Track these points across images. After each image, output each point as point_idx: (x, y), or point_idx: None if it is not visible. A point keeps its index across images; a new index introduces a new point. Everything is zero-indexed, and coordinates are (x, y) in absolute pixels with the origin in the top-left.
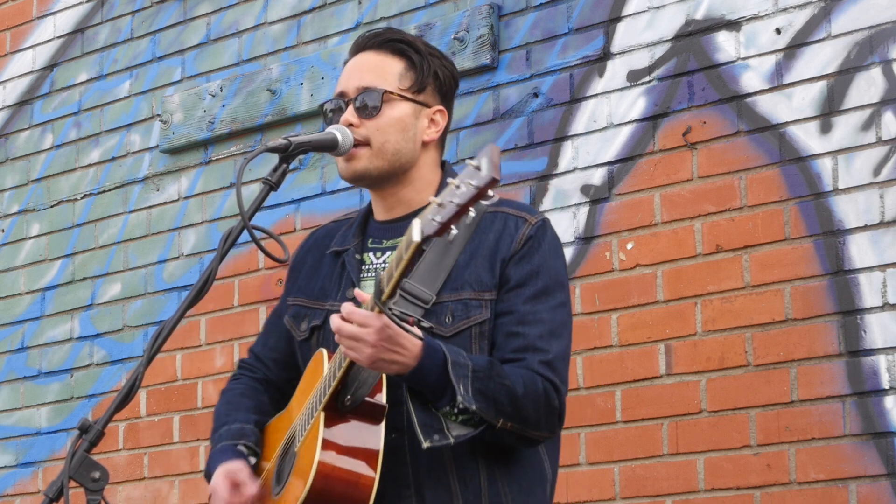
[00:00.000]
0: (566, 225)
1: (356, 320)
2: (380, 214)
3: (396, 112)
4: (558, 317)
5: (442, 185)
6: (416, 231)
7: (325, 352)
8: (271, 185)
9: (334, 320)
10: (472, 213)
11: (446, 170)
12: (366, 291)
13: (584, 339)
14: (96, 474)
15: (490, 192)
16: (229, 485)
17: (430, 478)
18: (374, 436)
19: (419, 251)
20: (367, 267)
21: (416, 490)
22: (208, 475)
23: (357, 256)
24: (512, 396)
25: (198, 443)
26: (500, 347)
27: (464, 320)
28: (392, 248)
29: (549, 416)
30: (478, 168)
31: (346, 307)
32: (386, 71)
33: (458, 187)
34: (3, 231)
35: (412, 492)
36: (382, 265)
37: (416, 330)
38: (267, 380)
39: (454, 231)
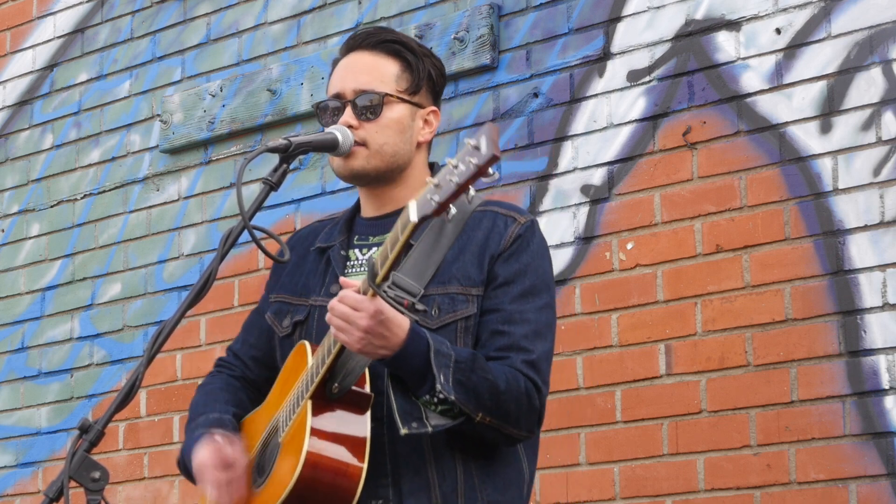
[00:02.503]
0: (566, 225)
1: (349, 304)
2: (368, 211)
3: (395, 114)
4: (543, 318)
5: None
6: (412, 211)
7: (307, 343)
8: (271, 185)
9: (330, 303)
10: (471, 191)
11: (436, 170)
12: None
13: (584, 339)
14: (96, 474)
15: (490, 170)
16: (219, 461)
17: (408, 468)
18: (360, 425)
19: (414, 232)
20: (351, 263)
21: (394, 480)
22: (183, 464)
23: (342, 252)
24: (493, 391)
25: None
26: (485, 345)
27: (450, 314)
28: (378, 244)
29: (530, 415)
30: (476, 147)
31: (341, 292)
32: (383, 72)
33: (455, 167)
34: (3, 231)
35: (389, 481)
36: (369, 261)
37: (409, 314)
38: (245, 378)
39: (453, 211)
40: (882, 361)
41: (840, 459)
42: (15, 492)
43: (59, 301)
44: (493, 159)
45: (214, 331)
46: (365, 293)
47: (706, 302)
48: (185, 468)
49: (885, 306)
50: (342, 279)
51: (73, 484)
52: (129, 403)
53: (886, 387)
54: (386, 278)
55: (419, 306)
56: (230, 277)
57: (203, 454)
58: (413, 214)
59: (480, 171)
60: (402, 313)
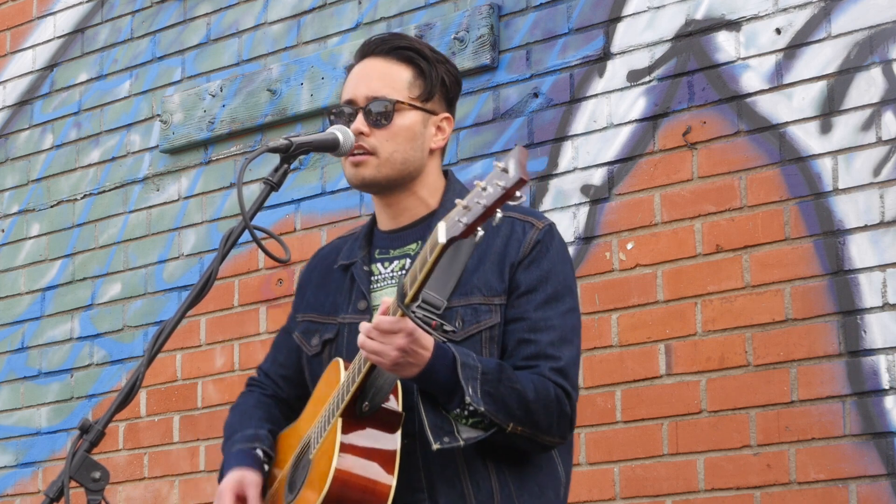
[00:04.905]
0: (566, 225)
1: (384, 327)
2: (385, 224)
3: (406, 121)
4: (569, 322)
5: (447, 192)
6: (441, 233)
7: (341, 360)
8: (272, 185)
9: (362, 326)
10: (499, 214)
11: (450, 177)
12: (375, 302)
13: (584, 339)
14: (96, 474)
15: (518, 193)
16: (235, 497)
17: (443, 482)
18: (390, 443)
19: (443, 254)
20: (375, 278)
21: (430, 494)
22: (222, 479)
23: (365, 268)
24: (522, 401)
25: (198, 443)
26: (512, 354)
27: (474, 325)
28: (400, 258)
29: (561, 421)
30: (505, 170)
31: (376, 317)
32: (395, 79)
33: (484, 189)
34: (3, 231)
35: (426, 496)
36: (391, 275)
37: (437, 334)
38: (276, 396)
39: (480, 232)
40: (882, 361)
41: (840, 459)
42: (15, 492)
43: (59, 301)
44: (521, 183)
45: (214, 331)
46: (394, 314)
47: (706, 302)
48: None
49: (885, 306)
50: (384, 299)
51: (73, 484)
52: (129, 403)
53: (886, 387)
54: (415, 299)
55: (447, 326)
56: (230, 277)
57: (226, 490)
58: (441, 236)
59: (507, 195)
60: (430, 334)
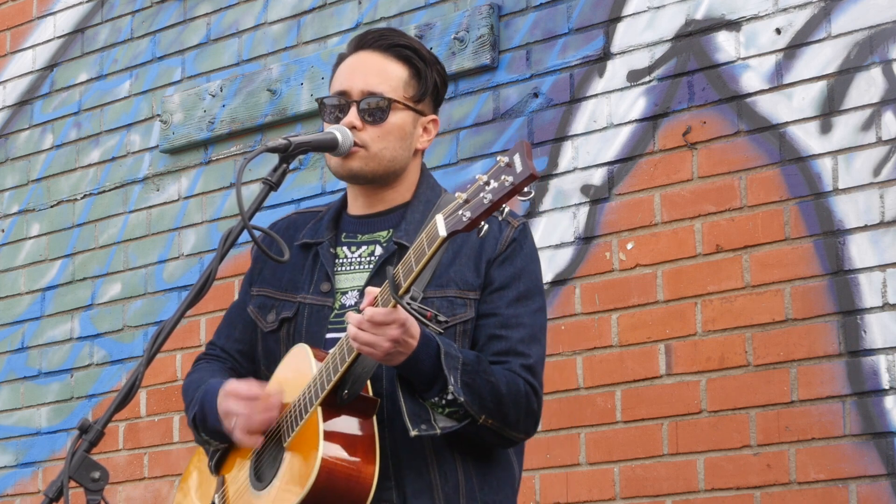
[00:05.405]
0: (566, 225)
1: (378, 319)
2: (356, 209)
3: (398, 120)
4: (538, 321)
5: (420, 184)
6: (440, 226)
7: (308, 348)
8: (271, 185)
9: (352, 317)
10: (505, 209)
11: (423, 169)
12: (339, 285)
13: (584, 339)
14: (96, 474)
15: (527, 189)
16: (245, 388)
17: (411, 470)
18: (368, 429)
19: (441, 247)
20: (340, 261)
21: (397, 482)
22: (202, 423)
23: (332, 250)
24: (495, 394)
25: None
26: (483, 349)
27: (449, 317)
28: (368, 243)
29: (528, 418)
30: (510, 164)
31: (369, 309)
32: (391, 77)
33: (487, 183)
34: (3, 231)
35: (392, 483)
36: (357, 259)
37: (433, 325)
38: (234, 370)
39: (485, 227)
40: (882, 361)
41: (840, 459)
42: (15, 492)
43: (59, 301)
44: (530, 178)
45: (214, 331)
46: (385, 305)
47: (706, 302)
48: (204, 422)
49: (885, 306)
50: (369, 288)
51: (72, 484)
52: (128, 403)
53: (886, 387)
54: (408, 291)
55: (441, 318)
56: (230, 277)
57: (230, 384)
58: (442, 229)
59: (516, 190)
60: (427, 326)
